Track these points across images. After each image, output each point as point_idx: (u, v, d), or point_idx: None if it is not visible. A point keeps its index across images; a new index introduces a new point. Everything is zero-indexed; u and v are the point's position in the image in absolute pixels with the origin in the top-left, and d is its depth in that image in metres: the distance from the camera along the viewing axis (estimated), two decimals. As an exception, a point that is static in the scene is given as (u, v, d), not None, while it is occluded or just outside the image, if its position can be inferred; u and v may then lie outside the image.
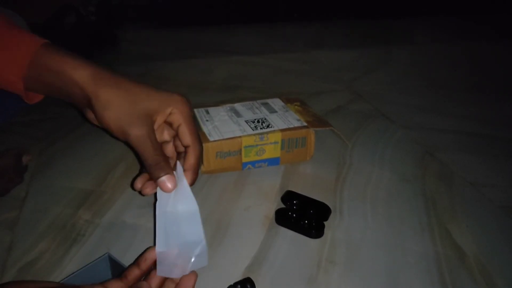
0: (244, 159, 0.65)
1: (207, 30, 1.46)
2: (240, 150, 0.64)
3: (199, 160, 0.44)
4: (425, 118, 0.86)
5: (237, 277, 0.47)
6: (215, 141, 0.62)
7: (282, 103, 0.74)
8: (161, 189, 0.40)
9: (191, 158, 0.43)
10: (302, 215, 0.55)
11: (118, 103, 0.39)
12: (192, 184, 0.42)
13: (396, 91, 1.00)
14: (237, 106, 0.73)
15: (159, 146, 0.41)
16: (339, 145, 0.74)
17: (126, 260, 0.48)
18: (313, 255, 0.51)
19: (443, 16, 1.67)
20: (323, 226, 0.54)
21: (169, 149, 0.46)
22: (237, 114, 0.70)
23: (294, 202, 0.58)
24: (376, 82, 1.06)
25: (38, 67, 0.40)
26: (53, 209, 0.58)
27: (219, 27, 1.49)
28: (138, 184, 0.43)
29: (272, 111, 0.71)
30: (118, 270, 0.44)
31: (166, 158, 0.41)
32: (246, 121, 0.67)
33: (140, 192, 0.43)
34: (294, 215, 0.55)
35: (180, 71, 1.11)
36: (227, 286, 0.45)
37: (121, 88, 0.40)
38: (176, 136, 0.45)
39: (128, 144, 0.41)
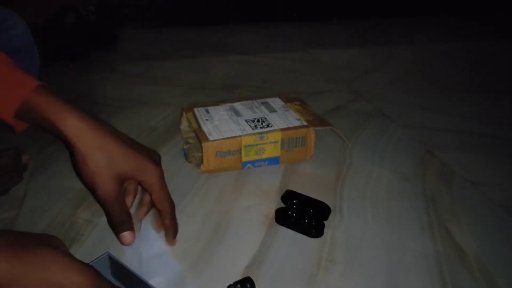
0: (244, 159, 0.65)
1: (207, 29, 1.46)
2: (240, 149, 0.64)
3: (174, 219, 0.47)
4: (426, 117, 0.86)
5: (237, 276, 0.47)
6: (215, 140, 0.62)
7: (282, 103, 0.74)
8: (121, 242, 0.44)
9: (166, 220, 0.46)
10: (302, 214, 0.55)
11: (94, 159, 0.41)
12: (174, 239, 0.47)
13: (396, 91, 1.00)
14: (237, 105, 0.73)
15: (124, 206, 0.44)
16: (339, 144, 0.74)
17: (126, 260, 0.48)
18: (313, 255, 0.51)
19: (443, 16, 1.67)
20: (323, 225, 0.54)
21: (130, 200, 0.49)
22: (237, 113, 0.70)
23: (294, 201, 0.58)
24: (376, 82, 1.06)
25: (27, 110, 0.42)
26: (52, 208, 0.58)
27: (219, 27, 1.49)
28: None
29: (272, 110, 0.71)
30: (118, 270, 0.44)
31: (128, 216, 0.44)
32: (246, 121, 0.67)
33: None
34: (294, 214, 0.55)
35: (180, 71, 1.11)
36: (227, 285, 0.45)
37: (100, 145, 0.41)
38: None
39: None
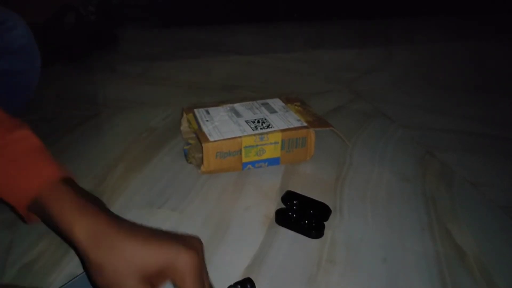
0: (244, 159, 0.65)
1: (207, 30, 1.46)
2: (240, 150, 0.64)
3: None
4: (426, 117, 0.86)
5: (237, 276, 0.47)
6: (215, 141, 0.62)
7: (282, 103, 0.74)
8: None
9: None
10: (302, 215, 0.55)
11: (110, 268, 0.35)
12: None
13: (396, 91, 1.00)
14: (237, 106, 0.73)
15: None
16: (339, 145, 0.74)
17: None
18: (313, 255, 0.51)
19: (443, 16, 1.67)
20: (323, 226, 0.54)
21: None
22: (237, 114, 0.70)
23: (294, 202, 0.58)
24: (376, 82, 1.06)
25: (39, 206, 0.38)
26: (53, 209, 0.58)
27: (219, 27, 1.49)
28: None
29: (272, 111, 0.71)
30: None
31: None
32: (246, 121, 0.67)
33: None
34: (294, 215, 0.55)
35: (180, 71, 1.11)
36: (227, 286, 0.45)
37: (115, 249, 0.36)
38: None
39: None
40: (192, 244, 0.37)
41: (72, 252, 0.50)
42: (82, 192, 0.39)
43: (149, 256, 0.35)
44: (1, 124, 0.41)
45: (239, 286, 0.45)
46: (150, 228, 0.38)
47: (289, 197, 0.59)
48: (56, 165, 0.40)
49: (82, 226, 0.36)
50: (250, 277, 0.46)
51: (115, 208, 0.58)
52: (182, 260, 0.36)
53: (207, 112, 0.70)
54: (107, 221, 0.37)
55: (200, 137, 0.63)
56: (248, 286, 0.45)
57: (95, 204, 0.38)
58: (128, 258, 0.35)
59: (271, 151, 0.66)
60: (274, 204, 0.59)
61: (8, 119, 0.42)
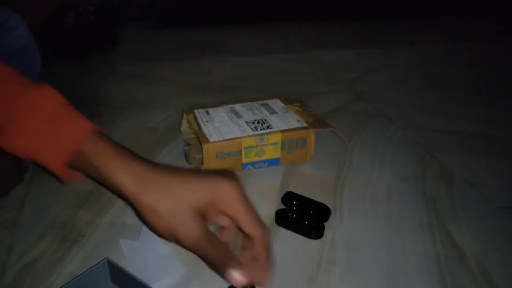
0: (244, 160, 0.65)
1: (207, 30, 1.46)
2: (240, 151, 0.64)
3: (269, 250, 0.39)
4: (426, 118, 0.87)
5: (237, 277, 0.47)
6: (215, 142, 0.62)
7: (282, 104, 0.74)
8: (232, 282, 0.37)
9: (259, 249, 0.38)
10: (302, 216, 0.55)
11: (164, 208, 0.36)
12: (267, 279, 0.38)
13: (396, 91, 1.00)
14: (237, 107, 0.73)
15: (219, 243, 0.37)
16: (339, 145, 0.74)
17: (126, 263, 0.48)
18: (313, 256, 0.51)
19: (443, 16, 1.67)
20: (323, 227, 0.54)
21: (227, 234, 0.42)
22: (237, 115, 0.70)
23: (294, 203, 0.58)
24: (376, 82, 1.06)
25: (81, 159, 0.38)
26: (53, 209, 0.58)
27: (219, 27, 1.49)
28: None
29: (272, 112, 0.71)
30: (118, 275, 0.44)
31: (230, 254, 0.37)
32: (246, 122, 0.67)
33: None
34: (294, 216, 0.55)
35: (180, 71, 1.11)
36: (227, 286, 0.45)
37: (164, 189, 0.37)
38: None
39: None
40: (230, 174, 0.39)
41: (73, 251, 0.50)
42: (118, 143, 0.40)
43: (197, 191, 0.37)
44: (25, 83, 0.41)
45: (239, 287, 0.45)
46: (187, 168, 0.40)
47: (289, 197, 0.59)
48: (88, 120, 0.41)
49: (128, 173, 0.37)
50: (250, 277, 0.46)
51: (115, 209, 0.58)
52: (226, 189, 0.37)
53: (207, 113, 0.70)
54: (150, 165, 0.38)
55: (200, 138, 0.63)
56: (248, 286, 0.45)
57: (133, 153, 0.39)
58: (179, 196, 0.36)
59: (271, 152, 0.66)
60: (274, 204, 0.59)
61: (28, 80, 0.42)
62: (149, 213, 0.36)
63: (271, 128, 0.66)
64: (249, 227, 0.38)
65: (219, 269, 0.37)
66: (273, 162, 0.67)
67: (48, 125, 0.39)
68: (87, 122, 0.40)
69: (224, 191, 0.38)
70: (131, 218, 0.56)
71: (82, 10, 1.27)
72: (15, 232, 0.54)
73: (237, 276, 0.36)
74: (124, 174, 0.37)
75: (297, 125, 0.67)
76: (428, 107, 0.92)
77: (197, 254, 0.37)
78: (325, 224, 0.55)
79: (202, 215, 0.38)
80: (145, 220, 0.37)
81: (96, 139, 0.39)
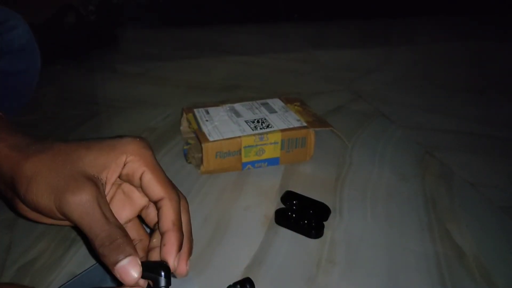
0: (244, 159, 0.65)
1: (207, 29, 1.46)
2: (240, 150, 0.64)
3: (180, 216, 0.33)
4: (425, 118, 0.86)
5: (237, 276, 0.47)
6: (215, 141, 0.62)
7: (282, 103, 0.74)
8: (121, 279, 0.29)
9: (169, 214, 0.32)
10: (302, 215, 0.55)
11: (47, 171, 0.29)
12: (188, 256, 0.33)
13: (396, 91, 1.00)
14: (237, 106, 0.73)
15: (113, 216, 0.30)
16: (339, 145, 0.74)
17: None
18: (313, 255, 0.51)
19: (443, 16, 1.67)
20: (323, 226, 0.54)
21: (134, 231, 0.35)
22: (237, 114, 0.70)
23: (294, 202, 0.58)
24: (376, 82, 1.06)
25: None
26: (52, 208, 0.58)
27: (219, 27, 1.49)
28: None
29: (272, 111, 0.71)
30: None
31: (124, 232, 0.29)
32: (246, 121, 0.67)
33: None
34: (294, 215, 0.55)
35: (180, 71, 1.11)
36: (227, 286, 0.45)
37: (50, 151, 0.30)
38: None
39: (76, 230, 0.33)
40: (139, 138, 0.34)
41: (72, 251, 0.50)
42: (13, 124, 0.34)
43: (97, 154, 0.31)
44: None
45: (238, 286, 0.45)
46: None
47: (288, 197, 0.59)
48: None
49: (5, 140, 0.31)
50: (250, 277, 0.46)
51: (114, 208, 0.58)
52: (138, 150, 0.32)
53: (207, 112, 0.70)
54: (32, 136, 0.33)
55: (199, 137, 0.63)
56: (248, 286, 0.45)
57: (22, 129, 0.34)
58: (70, 158, 0.30)
59: (271, 151, 0.66)
60: (273, 204, 0.59)
61: None
62: (27, 181, 0.29)
63: (270, 127, 0.66)
64: (159, 187, 0.32)
65: (107, 254, 0.28)
66: (273, 161, 0.67)
67: None
68: None
69: (134, 151, 0.32)
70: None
71: (82, 10, 1.27)
72: (14, 231, 0.54)
73: (129, 268, 0.28)
74: (5, 142, 0.31)
75: (297, 124, 0.67)
76: (428, 107, 0.92)
77: (84, 228, 0.29)
78: (325, 223, 0.55)
79: (98, 179, 0.30)
80: (23, 192, 0.29)
81: None
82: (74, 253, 0.50)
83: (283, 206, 0.59)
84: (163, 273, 0.31)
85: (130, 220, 0.36)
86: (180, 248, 0.32)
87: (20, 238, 0.52)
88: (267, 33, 1.47)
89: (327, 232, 0.54)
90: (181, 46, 1.32)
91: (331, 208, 0.57)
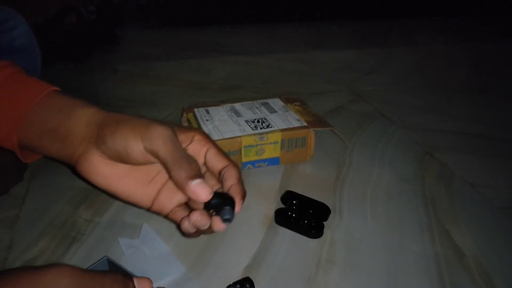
0: (244, 159, 0.65)
1: (207, 30, 1.46)
2: (240, 149, 0.64)
3: (241, 176, 0.40)
4: (425, 118, 0.87)
5: (237, 276, 0.47)
6: (215, 140, 0.62)
7: (282, 103, 0.74)
8: (195, 195, 0.35)
9: (234, 173, 0.39)
10: (302, 215, 0.55)
11: (131, 119, 0.36)
12: (243, 199, 0.39)
13: (396, 92, 1.00)
14: (237, 106, 0.73)
15: (186, 152, 0.37)
16: (339, 145, 0.74)
17: (125, 261, 0.48)
18: (313, 255, 0.51)
19: (443, 16, 1.67)
20: (323, 226, 0.54)
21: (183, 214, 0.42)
22: (237, 114, 0.70)
23: (294, 202, 0.58)
24: (376, 83, 1.06)
25: (40, 111, 0.39)
26: (53, 207, 0.58)
27: (219, 27, 1.49)
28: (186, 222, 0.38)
29: (272, 111, 0.71)
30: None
31: (191, 158, 0.36)
32: (246, 121, 0.68)
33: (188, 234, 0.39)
34: (294, 215, 0.55)
35: (180, 71, 1.11)
36: (226, 285, 0.45)
37: (132, 119, 0.37)
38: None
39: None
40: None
41: (73, 249, 0.51)
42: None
43: (170, 125, 0.37)
44: None
45: (238, 286, 0.45)
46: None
47: (288, 197, 0.59)
48: (43, 82, 0.42)
49: (93, 106, 0.39)
50: (249, 276, 0.46)
51: (114, 207, 0.58)
52: (204, 134, 0.40)
53: (207, 112, 0.70)
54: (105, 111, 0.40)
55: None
56: (247, 285, 0.45)
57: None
58: (135, 128, 0.36)
59: (271, 151, 0.66)
60: (273, 204, 0.59)
61: None
62: (120, 123, 0.36)
63: (271, 127, 0.66)
64: (224, 159, 0.39)
65: (182, 173, 0.34)
66: (273, 161, 0.67)
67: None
68: (42, 83, 0.42)
69: (199, 132, 0.40)
70: (130, 216, 0.57)
71: (82, 10, 1.27)
72: (15, 230, 0.54)
73: (199, 186, 0.34)
74: (90, 108, 0.39)
75: (297, 124, 0.67)
76: (428, 107, 0.92)
77: (165, 152, 0.35)
78: (325, 223, 0.55)
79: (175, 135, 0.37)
80: (114, 133, 0.36)
81: (56, 92, 0.41)
82: (75, 252, 0.50)
83: (283, 206, 0.59)
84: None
85: (181, 204, 0.41)
86: (244, 198, 0.39)
87: (21, 237, 0.52)
88: (268, 33, 1.47)
89: (327, 232, 0.54)
90: (181, 46, 1.32)
91: (331, 208, 0.58)
